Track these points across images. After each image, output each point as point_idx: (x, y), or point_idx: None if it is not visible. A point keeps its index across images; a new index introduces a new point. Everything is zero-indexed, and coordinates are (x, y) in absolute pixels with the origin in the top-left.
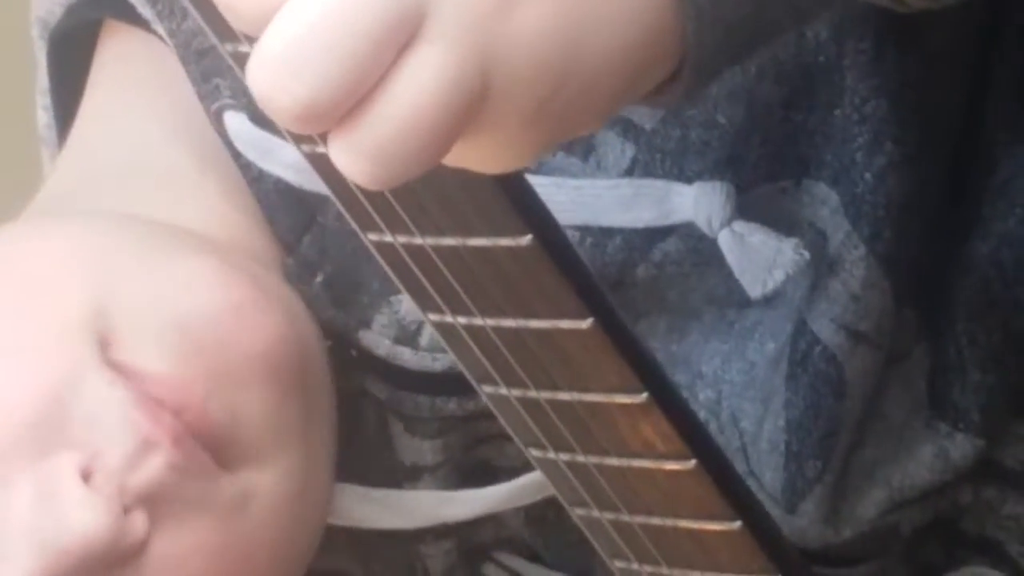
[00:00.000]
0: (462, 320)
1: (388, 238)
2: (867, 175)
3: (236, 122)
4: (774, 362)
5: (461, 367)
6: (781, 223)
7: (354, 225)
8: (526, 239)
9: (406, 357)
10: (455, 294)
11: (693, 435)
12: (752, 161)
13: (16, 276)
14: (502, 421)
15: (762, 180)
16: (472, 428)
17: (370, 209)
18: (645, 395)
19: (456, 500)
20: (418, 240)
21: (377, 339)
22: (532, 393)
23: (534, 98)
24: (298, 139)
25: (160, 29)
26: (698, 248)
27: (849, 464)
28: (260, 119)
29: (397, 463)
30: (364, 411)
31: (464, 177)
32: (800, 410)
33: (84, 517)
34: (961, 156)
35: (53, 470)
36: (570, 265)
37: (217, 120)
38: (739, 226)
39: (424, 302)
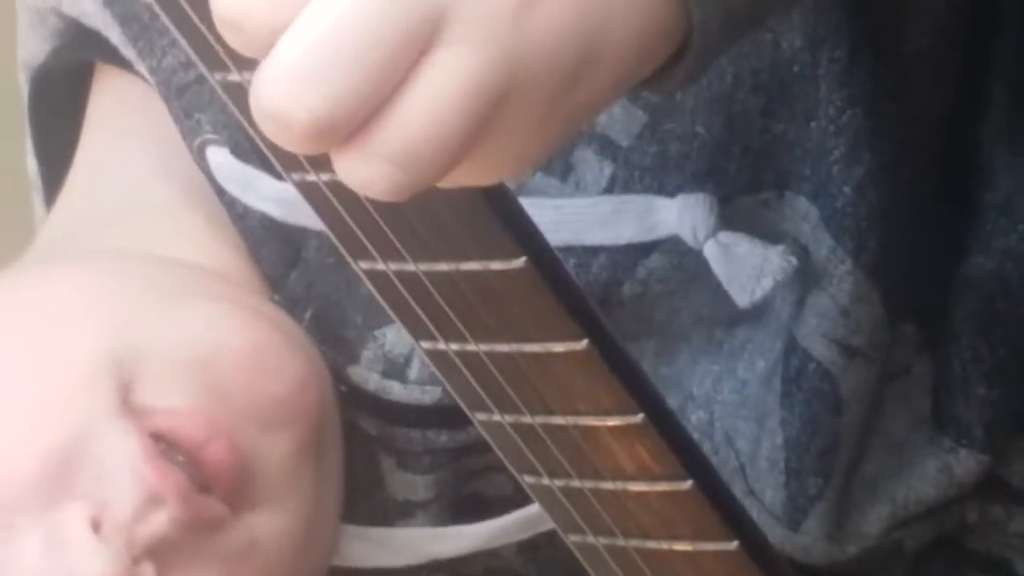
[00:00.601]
0: (455, 347)
1: (380, 266)
2: (846, 188)
3: (218, 157)
4: (766, 380)
5: (454, 395)
6: (765, 236)
7: (345, 254)
8: (519, 261)
9: (396, 391)
10: (448, 320)
11: (688, 455)
12: (732, 172)
13: (25, 326)
14: (496, 449)
15: (743, 191)
16: (464, 462)
17: (361, 236)
18: (641, 416)
19: (448, 536)
20: (410, 267)
21: (366, 374)
22: (526, 419)
23: (549, 99)
24: (288, 167)
25: (142, 68)
26: (682, 264)
27: (851, 481)
28: (241, 152)
29: (389, 500)
30: (354, 448)
31: (456, 200)
32: (797, 428)
33: (93, 566)
34: (957, 168)
35: (62, 520)
36: (563, 286)
37: (200, 156)
38: (725, 236)
39: (416, 330)
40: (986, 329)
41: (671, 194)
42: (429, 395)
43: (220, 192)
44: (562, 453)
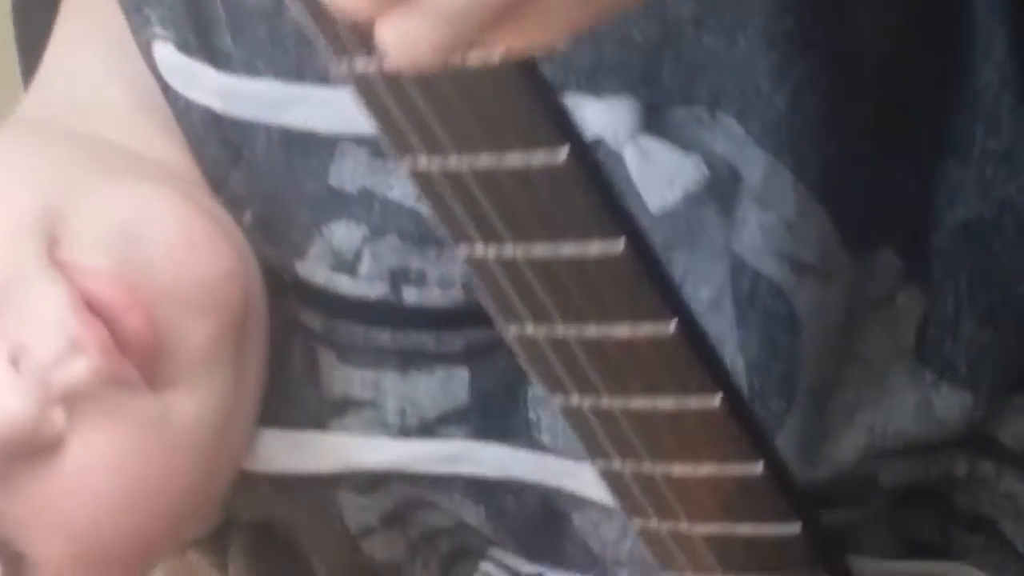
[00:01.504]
0: (493, 252)
1: (423, 162)
2: (777, 99)
3: (163, 51)
4: (713, 307)
5: (489, 305)
6: (695, 151)
7: (392, 150)
8: (563, 152)
9: (344, 284)
10: (488, 222)
11: (718, 368)
12: (666, 80)
13: None
14: (523, 362)
15: (677, 101)
16: (405, 370)
17: (406, 129)
18: (675, 322)
19: (368, 447)
20: (453, 161)
21: (313, 268)
22: (560, 329)
23: None
24: (340, 53)
25: None
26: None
27: (828, 405)
28: (188, 49)
29: (323, 401)
30: (293, 345)
31: (500, 87)
32: (756, 349)
33: (8, 399)
34: (955, 107)
35: None
36: (600, 181)
37: (146, 52)
38: (644, 141)
39: (456, 233)
40: (985, 273)
41: (602, 97)
42: (376, 289)
43: (165, 89)
44: (593, 367)
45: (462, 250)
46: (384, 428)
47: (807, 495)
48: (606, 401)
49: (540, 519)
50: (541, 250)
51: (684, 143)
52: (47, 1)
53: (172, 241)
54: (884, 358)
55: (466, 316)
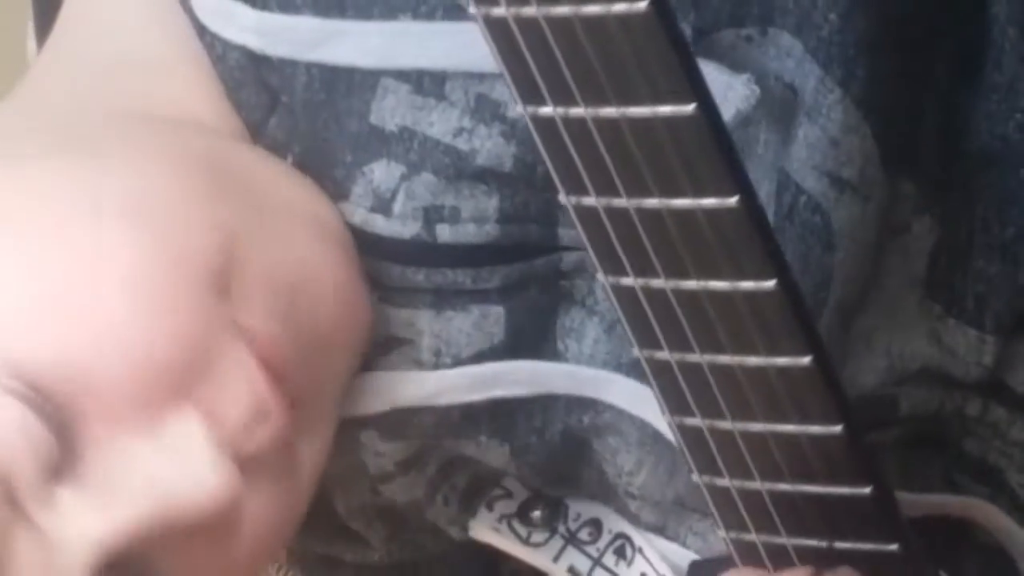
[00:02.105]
0: (561, 112)
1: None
2: (831, 15)
3: None
4: None
5: (553, 170)
6: (746, 72)
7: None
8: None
9: (379, 224)
10: (562, 78)
11: (777, 254)
12: (716, 1)
13: (136, 208)
14: (582, 234)
15: (726, 23)
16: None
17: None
18: (736, 199)
19: (405, 382)
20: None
21: (353, 209)
22: (620, 201)
23: None
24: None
25: None
26: None
27: (851, 328)
28: None
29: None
30: None
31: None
32: (790, 264)
33: (211, 476)
34: (974, 37)
35: (179, 422)
36: (674, 32)
37: None
38: None
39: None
40: (1002, 205)
41: None
42: (409, 228)
43: (201, 33)
44: (653, 246)
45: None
46: (419, 366)
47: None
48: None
49: (561, 453)
50: (612, 112)
51: (734, 65)
52: None
53: (335, 305)
54: (897, 286)
55: (501, 252)
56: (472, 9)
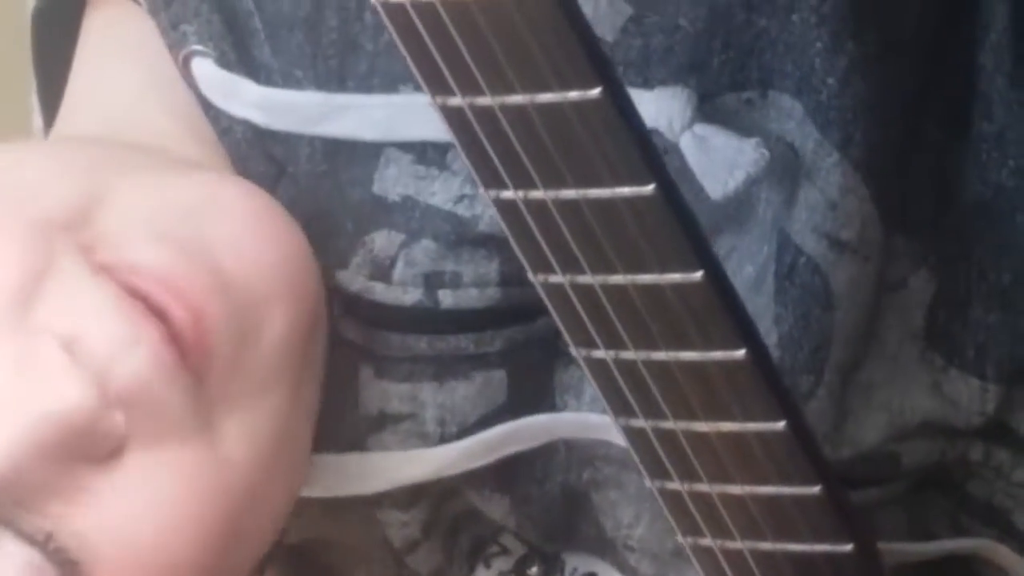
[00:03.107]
0: (521, 194)
1: (456, 100)
2: (830, 79)
3: (202, 67)
4: (756, 284)
5: (520, 254)
6: (749, 135)
7: (425, 87)
8: (595, 91)
9: (378, 291)
10: (518, 162)
11: (745, 323)
12: (715, 67)
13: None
14: (554, 314)
15: (726, 88)
16: (442, 377)
17: (445, 71)
18: (700, 274)
19: (411, 460)
20: (487, 99)
21: (352, 277)
22: (586, 278)
23: None
24: None
25: None
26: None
27: (848, 386)
28: (227, 64)
29: (360, 419)
30: (333, 365)
31: (539, 25)
32: (790, 324)
33: (66, 387)
34: (961, 93)
35: (36, 343)
36: (633, 122)
37: (185, 68)
38: (700, 129)
39: (485, 177)
40: (998, 254)
41: (653, 88)
42: (410, 296)
43: (206, 107)
44: (621, 321)
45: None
46: (423, 439)
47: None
48: (629, 354)
49: (560, 506)
50: (571, 194)
51: (738, 128)
52: (65, 22)
53: (237, 223)
54: (897, 341)
55: (503, 315)
56: (428, 100)
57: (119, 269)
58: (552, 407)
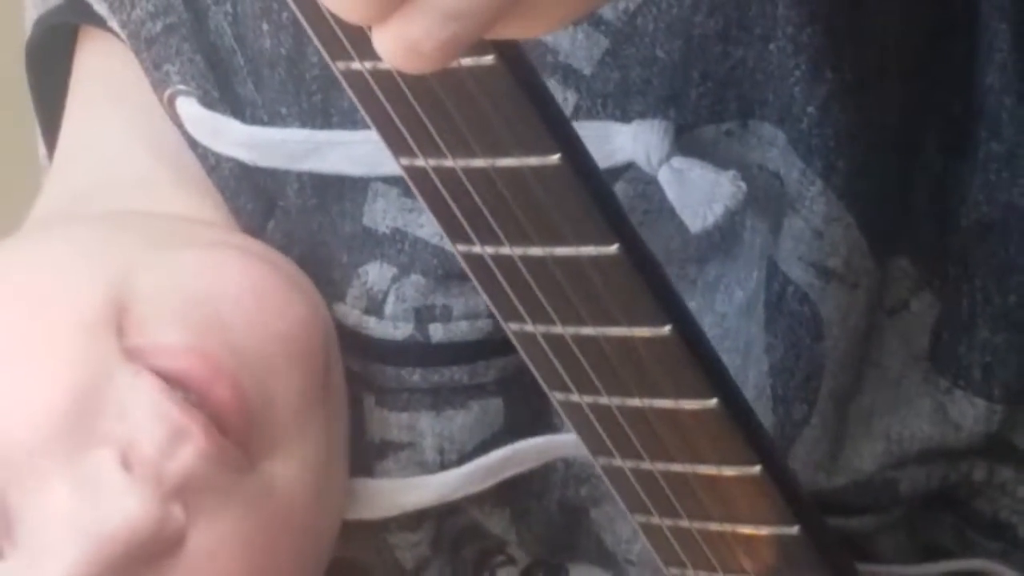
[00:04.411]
0: (489, 250)
1: (419, 162)
2: (810, 108)
3: (187, 107)
4: (746, 310)
5: (489, 303)
6: (728, 165)
7: (389, 150)
8: (554, 158)
9: (371, 326)
10: (483, 221)
11: (716, 372)
12: (694, 98)
13: (26, 284)
14: (527, 360)
15: (706, 119)
16: (439, 407)
17: (405, 133)
18: (668, 328)
19: (410, 488)
20: (448, 162)
21: (348, 310)
22: (557, 329)
23: None
24: (335, 55)
25: (114, 23)
26: (645, 193)
27: (847, 412)
28: (210, 103)
29: (367, 445)
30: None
31: (497, 94)
32: (781, 353)
33: (128, 503)
34: (963, 110)
35: (91, 462)
36: (594, 184)
37: (170, 107)
38: (678, 162)
39: (452, 230)
40: (1001, 274)
41: (632, 121)
42: (401, 331)
43: (193, 145)
44: (592, 368)
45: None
46: (423, 468)
47: (817, 501)
48: (604, 400)
49: (559, 518)
50: (538, 251)
51: (717, 160)
52: (58, 55)
53: (241, 298)
54: (899, 365)
55: (495, 345)
56: (393, 161)
57: (153, 353)
58: (549, 427)
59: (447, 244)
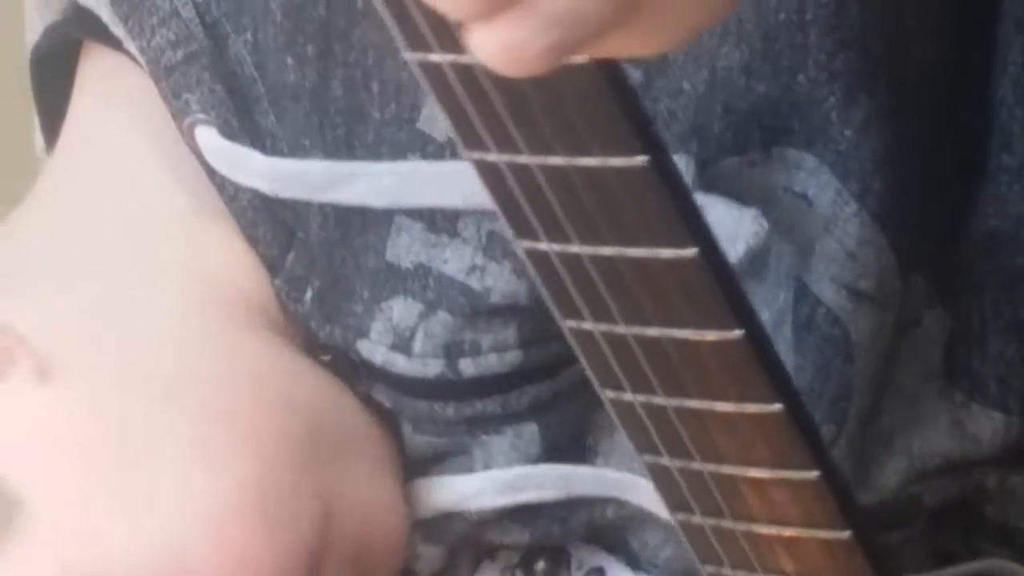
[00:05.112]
0: (556, 247)
1: (492, 156)
2: (847, 131)
3: (207, 136)
4: (773, 331)
5: (546, 297)
6: (752, 194)
7: (458, 142)
8: (641, 159)
9: (400, 364)
10: (553, 218)
11: (779, 378)
12: (716, 132)
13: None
14: (583, 359)
15: (728, 152)
16: (474, 433)
17: (479, 127)
18: (740, 332)
19: (439, 487)
20: (523, 158)
21: (374, 347)
22: (620, 328)
23: None
24: (415, 44)
25: (132, 47)
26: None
27: (867, 432)
28: (230, 132)
29: (407, 462)
30: (382, 415)
31: (582, 91)
32: (810, 375)
33: None
34: (972, 125)
35: None
36: (676, 186)
37: (189, 135)
38: (700, 199)
39: (520, 228)
40: (1010, 286)
41: None
42: (431, 368)
43: (211, 173)
44: (651, 369)
45: (523, 243)
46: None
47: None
48: (660, 400)
49: (583, 535)
50: (608, 251)
51: (740, 191)
52: (62, 66)
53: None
54: (915, 381)
55: (526, 374)
56: (464, 155)
57: None
58: (583, 448)
59: (472, 282)
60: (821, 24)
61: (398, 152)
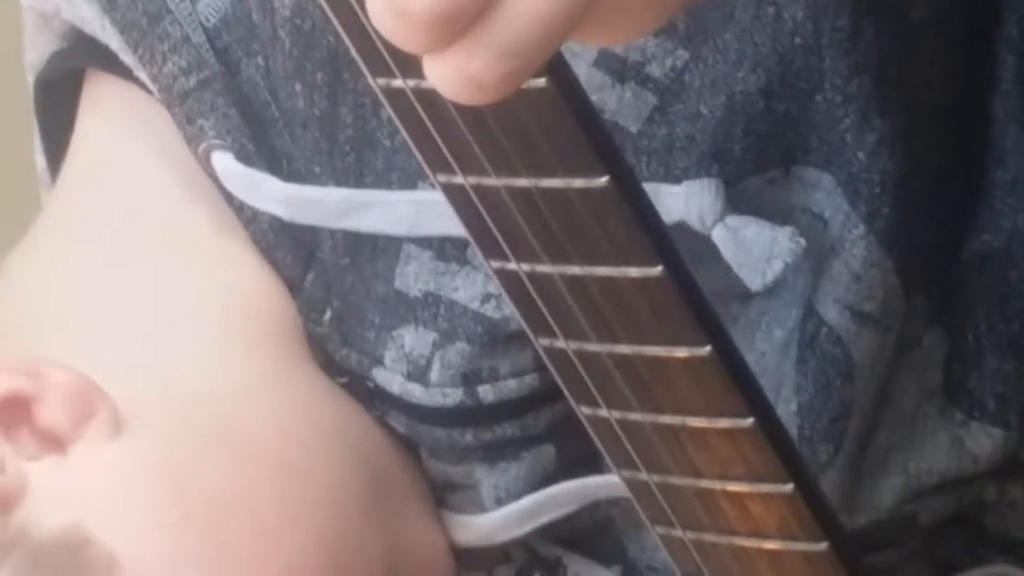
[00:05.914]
0: (526, 267)
1: (458, 179)
2: (860, 154)
3: (223, 161)
4: (783, 349)
5: (520, 319)
6: (773, 213)
7: (423, 165)
8: (602, 180)
9: (418, 394)
10: (521, 238)
11: (751, 392)
12: (737, 153)
13: None
14: (558, 379)
15: (749, 172)
16: (491, 459)
17: (445, 151)
18: (708, 349)
19: (461, 524)
20: (491, 180)
21: (390, 376)
22: (592, 346)
23: None
24: (376, 71)
25: (143, 75)
26: (692, 246)
27: (863, 451)
28: (246, 157)
29: (431, 483)
30: (397, 438)
31: (544, 114)
32: (810, 394)
33: None
34: (972, 143)
35: None
36: (639, 205)
37: (205, 160)
38: (732, 220)
39: (488, 249)
40: (1002, 303)
41: (677, 179)
42: (451, 398)
43: (228, 197)
44: (626, 385)
45: (492, 264)
46: (481, 509)
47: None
48: (636, 416)
49: (586, 530)
50: (576, 270)
51: (762, 209)
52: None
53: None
54: (914, 401)
55: (543, 396)
56: (431, 178)
57: None
58: (597, 457)
59: (488, 310)
60: (836, 48)
61: (408, 180)
